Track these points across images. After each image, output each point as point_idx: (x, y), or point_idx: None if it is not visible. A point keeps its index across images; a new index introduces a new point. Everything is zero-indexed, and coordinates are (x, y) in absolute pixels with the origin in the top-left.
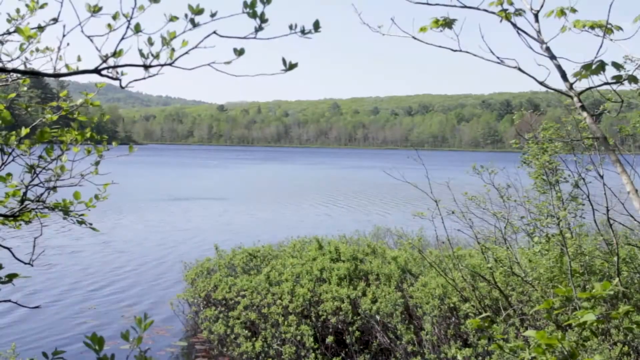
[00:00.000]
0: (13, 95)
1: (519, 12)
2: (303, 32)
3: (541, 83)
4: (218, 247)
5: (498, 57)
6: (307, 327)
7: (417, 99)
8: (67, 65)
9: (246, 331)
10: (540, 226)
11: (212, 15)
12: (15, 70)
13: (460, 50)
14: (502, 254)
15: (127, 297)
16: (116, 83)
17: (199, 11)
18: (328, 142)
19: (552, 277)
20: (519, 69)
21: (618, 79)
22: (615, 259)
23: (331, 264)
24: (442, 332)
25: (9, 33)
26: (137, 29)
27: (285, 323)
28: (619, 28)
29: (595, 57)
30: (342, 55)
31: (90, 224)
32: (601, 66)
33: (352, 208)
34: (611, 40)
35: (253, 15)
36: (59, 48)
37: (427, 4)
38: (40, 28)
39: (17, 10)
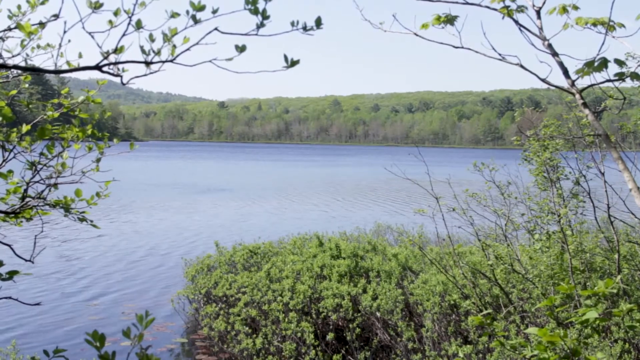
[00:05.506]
0: (14, 92)
1: (520, 9)
2: (305, 29)
3: (543, 80)
4: (218, 244)
5: (500, 54)
6: (308, 324)
7: (418, 96)
8: (68, 62)
9: (247, 328)
10: (541, 223)
11: (214, 11)
12: (16, 67)
13: (462, 47)
14: (502, 251)
15: (128, 294)
16: (117, 80)
17: (201, 8)
18: (328, 139)
19: (553, 275)
20: (521, 66)
21: (620, 76)
22: (616, 256)
23: (332, 260)
24: (442, 329)
25: (10, 29)
26: (139, 26)
27: (286, 320)
28: (622, 25)
29: (598, 54)
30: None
31: (91, 221)
32: (604, 63)
33: (352, 205)
34: (613, 37)
35: (255, 11)
36: (60, 44)
37: (429, 0)
38: (41, 24)
39: (18, 7)
